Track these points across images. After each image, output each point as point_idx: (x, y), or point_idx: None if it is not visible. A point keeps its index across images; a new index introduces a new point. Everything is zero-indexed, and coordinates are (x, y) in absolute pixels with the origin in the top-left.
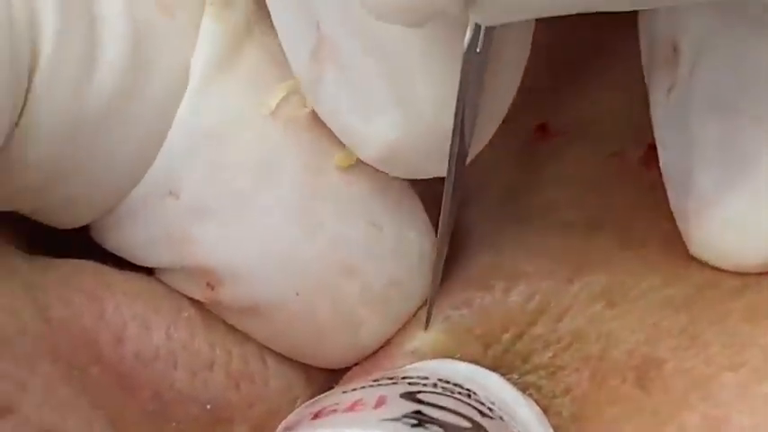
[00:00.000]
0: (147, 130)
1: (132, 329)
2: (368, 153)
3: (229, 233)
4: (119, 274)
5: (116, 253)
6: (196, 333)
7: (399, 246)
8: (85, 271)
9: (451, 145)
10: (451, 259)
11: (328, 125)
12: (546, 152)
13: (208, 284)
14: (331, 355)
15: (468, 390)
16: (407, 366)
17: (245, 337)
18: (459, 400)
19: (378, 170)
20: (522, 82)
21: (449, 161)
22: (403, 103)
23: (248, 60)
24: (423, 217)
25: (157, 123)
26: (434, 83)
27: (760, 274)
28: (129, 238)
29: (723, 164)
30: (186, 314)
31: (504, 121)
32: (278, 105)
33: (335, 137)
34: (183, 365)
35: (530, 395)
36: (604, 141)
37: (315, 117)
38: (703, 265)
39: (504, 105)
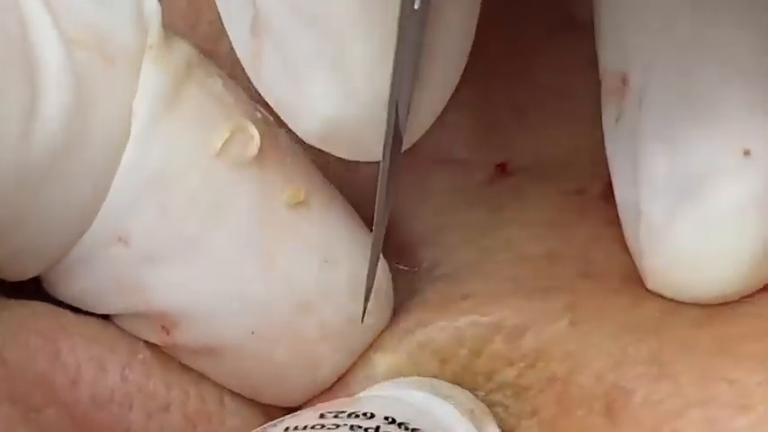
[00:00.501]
0: (92, 178)
1: (88, 371)
2: (306, 129)
3: (182, 277)
4: (74, 316)
5: (68, 302)
6: (152, 374)
7: (355, 280)
8: (41, 313)
9: (388, 115)
10: (405, 288)
11: (270, 104)
12: (506, 191)
13: (163, 328)
14: (290, 393)
15: (413, 430)
16: (361, 395)
17: (202, 376)
18: None
19: (329, 205)
20: (483, 120)
21: (386, 132)
22: (336, 69)
23: (191, 102)
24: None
25: (102, 171)
26: (368, 46)
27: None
28: (80, 288)
29: (672, 194)
30: (141, 356)
31: (463, 161)
32: (223, 145)
33: (285, 173)
34: (138, 408)
35: (497, 414)
36: (565, 178)
37: (262, 156)
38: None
39: (449, 78)
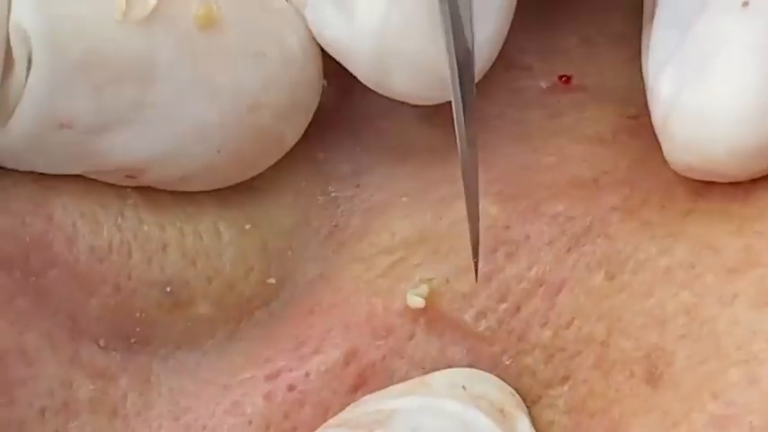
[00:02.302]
0: None
1: (83, 228)
2: (361, 57)
3: (135, 136)
4: (55, 178)
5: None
6: (144, 218)
7: (287, 55)
8: (23, 178)
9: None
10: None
11: (330, 53)
12: (567, 102)
13: (130, 177)
14: (264, 165)
15: None
16: (395, 406)
17: (195, 212)
18: None
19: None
20: (548, 43)
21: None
22: None
23: None
24: (297, 18)
25: None
26: None
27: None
28: (41, 165)
29: (680, 64)
30: (131, 201)
31: (527, 66)
32: (128, 6)
33: (188, 9)
34: (137, 253)
35: (523, 385)
36: (623, 104)
37: (162, 3)
38: (699, 221)
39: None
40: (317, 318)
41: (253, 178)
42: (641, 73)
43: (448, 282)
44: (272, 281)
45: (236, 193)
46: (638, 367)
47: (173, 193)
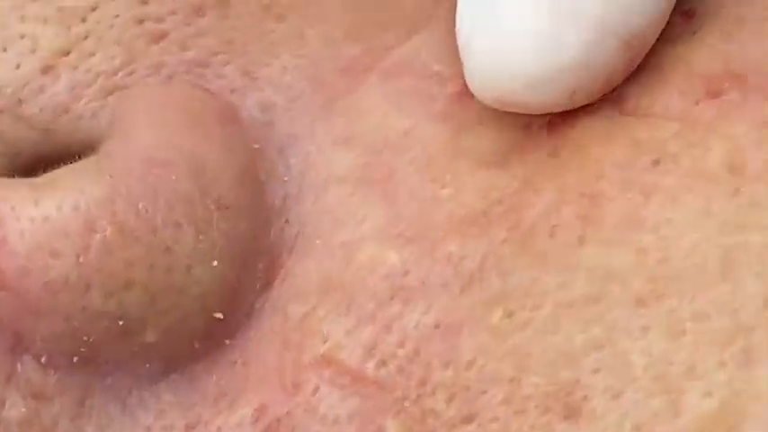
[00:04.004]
0: None
1: (38, 261)
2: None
3: None
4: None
5: None
6: (113, 252)
7: None
8: None
9: None
10: None
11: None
12: (471, 113)
13: None
14: None
15: None
16: None
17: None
18: None
19: None
20: None
21: None
22: None
23: None
24: None
25: None
26: None
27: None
28: None
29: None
30: (99, 235)
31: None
32: None
33: None
34: (96, 290)
35: (428, 426)
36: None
37: None
38: (593, 251)
39: None
40: (239, 369)
41: None
42: None
43: (349, 333)
44: (219, 315)
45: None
46: (554, 402)
47: None
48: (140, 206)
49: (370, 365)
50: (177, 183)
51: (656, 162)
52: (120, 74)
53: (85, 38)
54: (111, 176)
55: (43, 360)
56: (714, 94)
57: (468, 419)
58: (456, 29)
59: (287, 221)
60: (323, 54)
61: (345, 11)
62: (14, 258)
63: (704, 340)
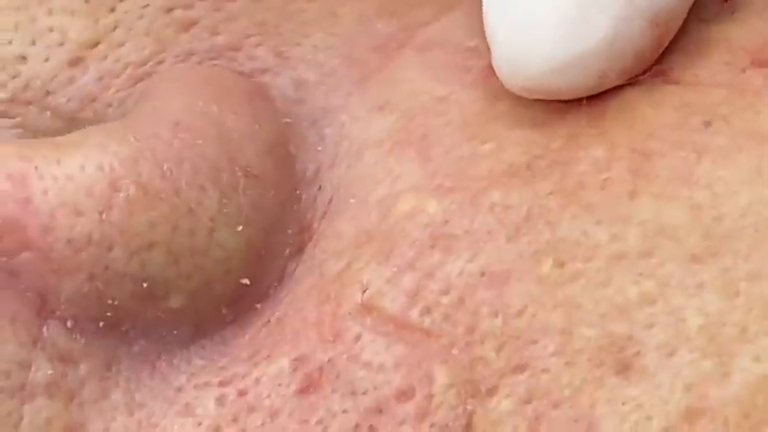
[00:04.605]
0: None
1: (61, 219)
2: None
3: None
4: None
5: None
6: (135, 211)
7: None
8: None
9: None
10: None
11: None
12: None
13: None
14: None
15: None
16: None
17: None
18: None
19: None
20: None
21: None
22: None
23: None
24: None
25: None
26: None
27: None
28: None
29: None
30: (124, 193)
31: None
32: None
33: None
34: (119, 249)
35: (478, 373)
36: None
37: None
38: (646, 203)
39: None
40: (273, 327)
41: None
42: None
43: (390, 281)
44: (246, 281)
45: None
46: (606, 356)
47: None
48: (165, 167)
49: (414, 312)
50: (204, 147)
51: (708, 123)
52: (150, 63)
53: (114, 29)
54: (135, 138)
55: (69, 324)
56: (760, 63)
57: (519, 369)
58: (483, 15)
59: (320, 188)
60: (356, 32)
61: None
62: (38, 216)
63: (757, 302)
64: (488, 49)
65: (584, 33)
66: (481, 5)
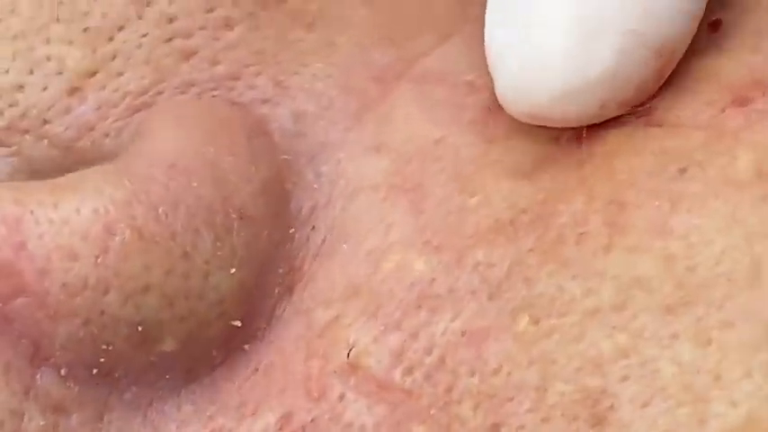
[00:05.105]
0: None
1: (57, 262)
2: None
3: None
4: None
5: None
6: (131, 256)
7: None
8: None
9: None
10: None
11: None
12: (500, 125)
13: None
14: None
15: None
16: None
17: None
18: None
19: None
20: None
21: None
22: None
23: None
24: None
25: None
26: None
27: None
28: None
29: (504, 19)
30: (119, 238)
31: (468, 83)
32: None
33: None
34: (114, 293)
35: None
36: None
37: None
38: (620, 257)
39: None
40: (260, 378)
41: None
42: None
43: (377, 340)
44: (237, 323)
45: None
46: (581, 410)
47: None
48: (160, 211)
49: (398, 373)
50: (198, 190)
51: (683, 170)
52: (149, 93)
53: (113, 58)
54: (130, 181)
55: (63, 372)
56: (740, 102)
57: (495, 427)
58: (485, 44)
59: (313, 228)
60: (354, 61)
61: (374, 18)
62: (34, 261)
63: (731, 349)
64: (485, 82)
65: (588, 63)
66: (480, 32)
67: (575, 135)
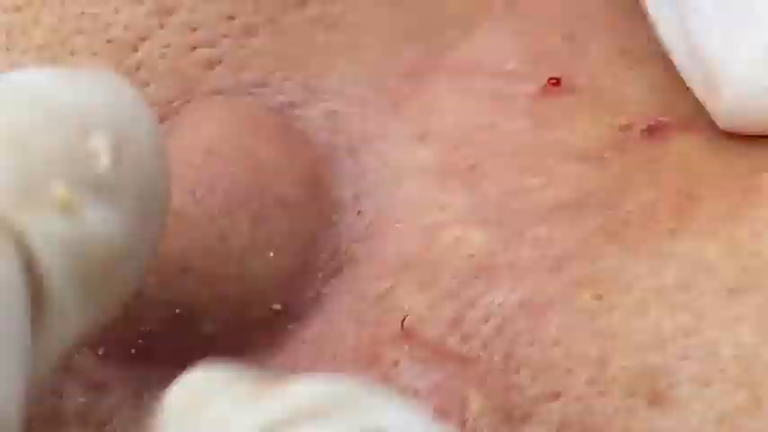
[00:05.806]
0: None
1: None
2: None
3: None
4: None
5: None
6: (169, 241)
7: None
8: None
9: None
10: None
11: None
12: (556, 110)
13: None
14: None
15: None
16: None
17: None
18: None
19: None
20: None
21: None
22: None
23: None
24: None
25: None
26: None
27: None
28: None
29: (724, 21)
30: None
31: (512, 72)
32: None
33: None
34: (152, 275)
35: (512, 400)
36: (614, 110)
37: None
38: (686, 241)
39: None
40: (309, 347)
41: None
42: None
43: (432, 308)
44: (278, 306)
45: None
46: (640, 386)
47: None
48: (197, 194)
49: (454, 340)
50: (235, 175)
51: (755, 170)
52: (176, 102)
53: (138, 69)
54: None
55: (100, 352)
56: None
57: (553, 397)
58: (694, 51)
59: (359, 213)
60: (382, 60)
61: (397, 17)
62: None
63: None
64: (529, 71)
65: None
66: (503, 25)
67: (649, 129)
